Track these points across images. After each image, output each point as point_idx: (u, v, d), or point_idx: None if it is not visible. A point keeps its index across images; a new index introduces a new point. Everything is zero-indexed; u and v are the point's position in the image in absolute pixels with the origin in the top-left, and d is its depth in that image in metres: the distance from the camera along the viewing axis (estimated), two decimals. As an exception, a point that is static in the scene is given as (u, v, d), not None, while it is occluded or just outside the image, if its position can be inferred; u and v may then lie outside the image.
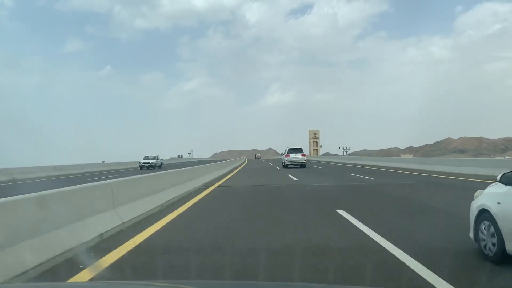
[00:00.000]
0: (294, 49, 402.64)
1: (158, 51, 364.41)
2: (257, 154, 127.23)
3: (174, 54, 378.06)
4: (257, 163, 45.80)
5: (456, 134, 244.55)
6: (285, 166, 27.90)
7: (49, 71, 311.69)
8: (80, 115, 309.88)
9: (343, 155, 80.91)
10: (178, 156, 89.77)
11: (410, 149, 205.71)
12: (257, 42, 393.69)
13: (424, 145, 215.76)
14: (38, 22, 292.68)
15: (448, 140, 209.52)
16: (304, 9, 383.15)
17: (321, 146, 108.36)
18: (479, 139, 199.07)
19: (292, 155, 27.20)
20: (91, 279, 3.43)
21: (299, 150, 27.56)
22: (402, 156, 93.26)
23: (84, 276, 3.53)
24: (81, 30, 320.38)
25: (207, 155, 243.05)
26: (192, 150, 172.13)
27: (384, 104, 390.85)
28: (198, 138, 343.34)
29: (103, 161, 44.18)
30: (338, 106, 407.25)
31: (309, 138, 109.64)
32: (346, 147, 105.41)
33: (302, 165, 27.45)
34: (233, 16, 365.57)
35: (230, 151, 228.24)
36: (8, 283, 3.03)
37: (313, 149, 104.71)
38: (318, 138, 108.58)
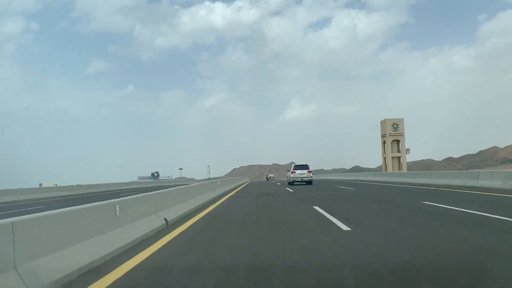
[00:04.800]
0: (313, 62, 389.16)
1: (179, 69, 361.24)
2: (270, 175, 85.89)
3: (195, 72, 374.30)
4: (265, 188, 24.34)
5: (502, 142, 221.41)
6: (291, 183, 26.71)
7: (72, 91, 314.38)
8: (102, 134, 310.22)
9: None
10: (152, 175, 71.17)
11: (450, 160, 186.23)
12: (276, 57, 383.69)
13: (465, 155, 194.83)
14: (62, 45, 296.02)
15: (494, 150, 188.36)
16: (323, 23, 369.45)
17: (408, 150, 62.10)
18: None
19: (298, 171, 26.14)
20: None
21: (305, 167, 26.41)
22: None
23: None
24: (103, 51, 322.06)
25: (226, 170, 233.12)
26: (208, 166, 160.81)
27: (411, 115, 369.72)
28: (217, 154, 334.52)
29: (55, 185, 37.02)
30: (360, 118, 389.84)
31: (383, 136, 62.45)
32: None
33: (308, 182, 26.03)
34: (252, 32, 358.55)
35: (250, 166, 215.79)
36: None
37: (392, 157, 60.99)
38: (401, 135, 61.00)
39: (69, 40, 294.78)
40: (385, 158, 63.03)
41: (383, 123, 62.95)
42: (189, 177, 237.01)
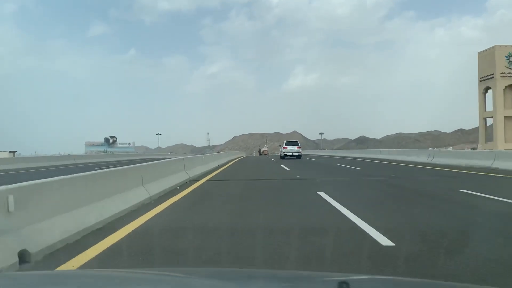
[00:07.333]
0: (318, 30, 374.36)
1: (182, 34, 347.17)
2: (263, 149, 70.00)
3: (197, 37, 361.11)
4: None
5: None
6: (282, 157, 29.61)
7: (73, 54, 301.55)
8: (102, 98, 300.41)
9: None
10: (106, 141, 50.01)
11: (461, 132, 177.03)
12: (280, 24, 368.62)
13: (477, 127, 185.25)
14: (64, 6, 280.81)
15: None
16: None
17: None
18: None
19: (289, 147, 29.63)
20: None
21: (295, 143, 30.10)
22: None
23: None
24: (105, 14, 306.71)
25: (227, 138, 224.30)
26: (208, 134, 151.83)
27: (417, 86, 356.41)
28: (219, 121, 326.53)
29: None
30: (365, 88, 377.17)
31: (484, 78, 36.85)
32: None
33: (298, 157, 29.30)
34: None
35: (251, 134, 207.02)
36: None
37: (503, 116, 36.77)
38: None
39: (72, 2, 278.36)
40: (485, 118, 37.33)
41: (487, 55, 34.09)
42: (188, 144, 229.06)
